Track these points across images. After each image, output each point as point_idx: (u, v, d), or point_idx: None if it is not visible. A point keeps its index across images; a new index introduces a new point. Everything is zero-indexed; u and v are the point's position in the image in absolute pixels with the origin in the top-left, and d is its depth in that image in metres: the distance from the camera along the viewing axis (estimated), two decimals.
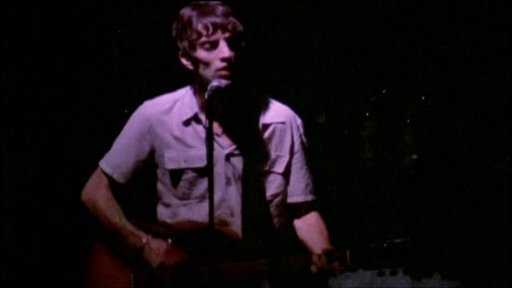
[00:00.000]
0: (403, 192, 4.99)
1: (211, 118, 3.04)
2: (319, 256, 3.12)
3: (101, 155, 3.42)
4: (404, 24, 4.97)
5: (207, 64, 3.15)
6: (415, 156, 5.05)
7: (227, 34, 3.13)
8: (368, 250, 3.09)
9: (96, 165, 3.42)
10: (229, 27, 3.13)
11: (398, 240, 3.06)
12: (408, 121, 5.04)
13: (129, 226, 3.29)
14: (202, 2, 3.20)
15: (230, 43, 3.14)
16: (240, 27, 3.16)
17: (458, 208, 4.93)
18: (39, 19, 4.80)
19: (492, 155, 4.96)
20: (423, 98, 5.02)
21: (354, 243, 4.12)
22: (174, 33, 3.23)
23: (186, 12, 3.18)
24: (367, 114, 5.06)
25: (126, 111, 4.70)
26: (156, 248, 3.24)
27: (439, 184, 4.97)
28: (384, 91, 5.05)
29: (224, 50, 3.12)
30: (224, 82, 3.11)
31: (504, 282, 4.66)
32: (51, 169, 4.83)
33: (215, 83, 3.09)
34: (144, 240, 3.26)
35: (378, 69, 5.01)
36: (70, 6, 4.80)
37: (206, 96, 3.09)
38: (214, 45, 3.14)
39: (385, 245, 3.06)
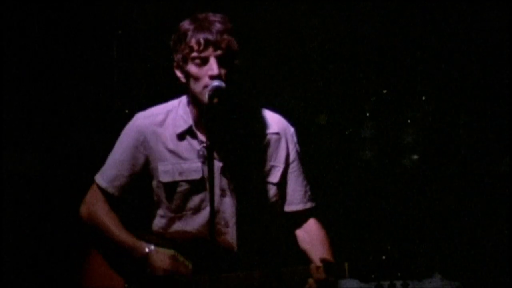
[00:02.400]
0: (403, 192, 5.00)
1: (211, 120, 3.03)
2: (318, 267, 3.12)
3: (101, 156, 3.42)
4: (405, 24, 4.97)
5: (196, 79, 3.15)
6: (415, 156, 5.05)
7: (218, 52, 3.13)
8: (366, 262, 3.08)
9: (95, 165, 3.42)
10: (222, 45, 3.12)
11: (396, 254, 3.06)
12: (409, 121, 5.04)
13: (130, 238, 3.29)
14: (202, 16, 3.18)
15: (221, 60, 3.13)
16: (234, 45, 3.15)
17: (458, 208, 4.93)
18: (39, 19, 4.80)
19: (492, 155, 4.96)
20: (423, 98, 5.02)
21: (353, 248, 4.14)
22: (171, 44, 3.23)
23: (184, 25, 3.19)
24: (367, 114, 5.06)
25: (126, 111, 4.71)
26: (160, 257, 3.23)
27: (440, 184, 4.97)
28: (384, 91, 5.05)
29: (213, 67, 3.11)
30: (223, 84, 3.11)
31: (504, 282, 4.66)
32: (51, 170, 4.83)
33: (215, 83, 3.09)
34: (146, 250, 3.26)
35: (378, 69, 5.01)
36: (70, 6, 4.80)
37: (206, 96, 3.09)
38: (204, 61, 3.14)
39: (383, 257, 3.06)
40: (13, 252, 4.72)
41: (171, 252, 3.23)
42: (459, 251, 4.79)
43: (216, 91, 3.08)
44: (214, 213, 2.94)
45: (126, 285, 3.29)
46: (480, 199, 4.92)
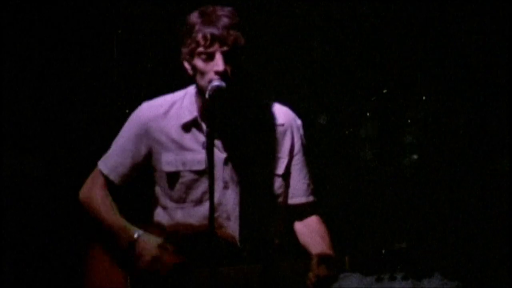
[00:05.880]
0: (403, 192, 5.00)
1: (211, 118, 3.03)
2: (318, 262, 3.11)
3: (101, 156, 3.42)
4: (405, 24, 4.97)
5: (202, 74, 3.14)
6: (415, 156, 5.05)
7: (224, 48, 3.10)
8: (366, 255, 3.08)
9: (96, 165, 3.42)
10: (229, 41, 3.10)
11: (396, 247, 3.06)
12: (409, 121, 5.05)
13: (121, 222, 3.29)
14: (210, 9, 3.16)
15: (227, 56, 3.10)
16: (241, 41, 3.13)
17: (458, 208, 4.93)
18: (39, 19, 4.80)
19: (492, 155, 4.96)
20: (423, 98, 5.03)
21: (353, 246, 4.12)
22: (179, 36, 3.22)
23: (192, 18, 3.17)
24: (367, 114, 5.06)
25: (127, 111, 4.71)
26: (148, 243, 3.23)
27: (440, 184, 4.97)
28: (384, 91, 5.05)
29: (219, 63, 3.10)
30: (223, 83, 3.10)
31: (504, 282, 4.66)
32: (51, 170, 4.83)
33: (216, 82, 3.09)
34: (135, 235, 3.26)
35: (378, 69, 5.01)
36: (70, 6, 4.80)
37: (206, 96, 3.09)
38: (210, 56, 3.12)
39: (383, 251, 3.06)
40: (14, 252, 4.72)
41: (159, 240, 3.23)
42: (459, 251, 4.79)
43: (216, 91, 3.08)
44: (213, 205, 2.93)
45: (129, 280, 3.29)
46: (480, 199, 4.92)
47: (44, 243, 4.75)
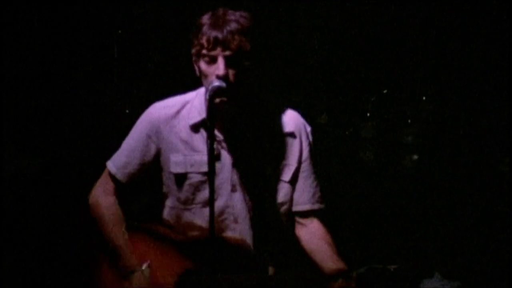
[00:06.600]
0: (403, 192, 5.00)
1: (212, 118, 3.04)
2: (336, 278, 3.10)
3: (101, 156, 3.42)
4: (405, 24, 4.97)
5: (205, 76, 3.16)
6: (415, 157, 5.05)
7: (227, 52, 3.11)
8: (374, 273, 3.08)
9: (96, 166, 3.43)
10: (232, 45, 3.10)
11: (403, 266, 3.06)
12: (409, 121, 5.05)
13: (123, 245, 3.28)
14: (220, 12, 3.16)
15: (230, 61, 3.11)
16: (246, 46, 3.12)
17: (458, 208, 4.93)
18: (39, 19, 4.80)
19: (492, 155, 4.96)
20: (424, 98, 5.03)
21: (352, 251, 4.09)
22: (191, 36, 3.22)
23: (203, 19, 3.17)
24: (368, 114, 5.06)
25: (127, 111, 4.71)
26: (140, 280, 3.24)
27: (440, 184, 4.97)
28: (384, 91, 5.05)
29: (220, 67, 3.11)
30: (223, 84, 3.11)
31: (504, 282, 4.66)
32: (51, 170, 4.83)
33: (216, 83, 3.09)
34: (130, 270, 3.25)
35: (378, 69, 5.02)
36: (70, 6, 4.80)
37: (207, 96, 3.09)
38: (213, 60, 3.13)
39: (392, 269, 3.06)
40: (13, 253, 4.72)
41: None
42: (459, 251, 4.80)
43: (216, 91, 3.08)
44: (213, 207, 2.93)
45: None
46: (480, 199, 4.92)
47: (44, 243, 4.75)
